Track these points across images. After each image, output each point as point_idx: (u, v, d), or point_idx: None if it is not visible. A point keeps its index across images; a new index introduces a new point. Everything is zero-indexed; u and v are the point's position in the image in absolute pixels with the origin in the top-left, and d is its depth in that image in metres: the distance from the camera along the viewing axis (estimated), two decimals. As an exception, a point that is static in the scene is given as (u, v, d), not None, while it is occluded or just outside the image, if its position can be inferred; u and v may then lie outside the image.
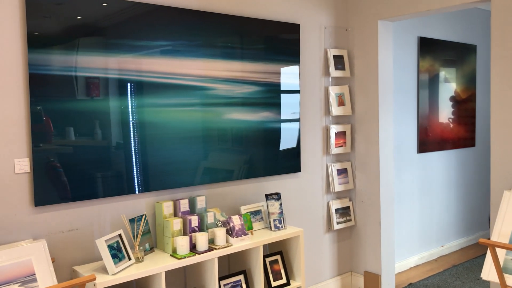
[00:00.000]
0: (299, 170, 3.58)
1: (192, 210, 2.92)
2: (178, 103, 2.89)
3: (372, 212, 3.83)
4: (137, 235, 2.61)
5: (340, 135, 3.84)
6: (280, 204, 3.21)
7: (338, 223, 3.85)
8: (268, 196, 3.19)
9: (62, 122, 2.48)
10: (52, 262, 2.41)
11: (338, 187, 3.84)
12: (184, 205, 2.85)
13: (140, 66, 2.72)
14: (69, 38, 2.48)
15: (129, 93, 2.69)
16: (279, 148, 3.44)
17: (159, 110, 2.81)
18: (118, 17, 2.65)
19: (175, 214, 2.84)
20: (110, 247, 2.45)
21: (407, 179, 4.50)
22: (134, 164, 2.74)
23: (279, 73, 3.40)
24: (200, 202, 2.91)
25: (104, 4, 2.58)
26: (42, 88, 2.41)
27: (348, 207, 3.93)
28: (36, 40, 2.38)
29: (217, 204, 3.13)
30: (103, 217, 2.67)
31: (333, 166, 3.82)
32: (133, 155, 2.74)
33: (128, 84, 2.69)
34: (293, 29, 3.48)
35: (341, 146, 3.86)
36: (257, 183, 3.35)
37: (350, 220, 3.94)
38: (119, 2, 2.64)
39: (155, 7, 2.78)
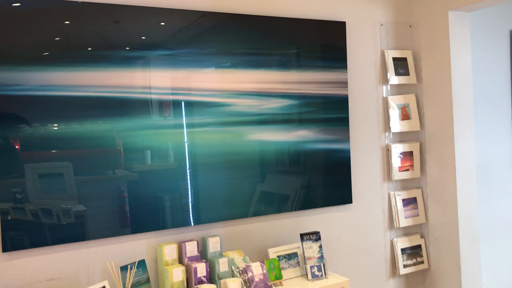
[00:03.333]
0: (350, 201, 2.89)
1: (203, 254, 2.38)
2: (187, 123, 2.39)
3: (450, 252, 3.01)
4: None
5: (406, 156, 3.09)
6: (320, 246, 2.55)
7: (405, 266, 3.07)
8: (303, 236, 2.56)
9: (33, 150, 2.08)
10: (24, 319, 2.00)
11: (404, 222, 3.08)
12: (191, 248, 2.31)
13: (124, 80, 2.26)
14: (39, 52, 2.09)
15: (112, 114, 2.24)
16: (322, 174, 2.79)
17: (156, 133, 2.33)
18: (94, 22, 2.22)
19: (180, 260, 2.32)
20: (87, 304, 1.99)
21: (499, 209, 3.56)
22: (129, 198, 2.27)
23: (320, 83, 2.77)
24: (213, 244, 2.36)
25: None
26: (6, 112, 2.03)
27: (419, 246, 3.14)
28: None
29: (241, 246, 2.56)
30: (92, 263, 2.21)
31: (397, 195, 3.07)
32: (127, 187, 2.27)
33: (110, 104, 2.24)
34: (337, 28, 2.84)
35: (407, 170, 3.10)
36: (294, 218, 2.72)
37: (421, 262, 3.14)
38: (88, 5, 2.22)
39: (147, 8, 2.32)
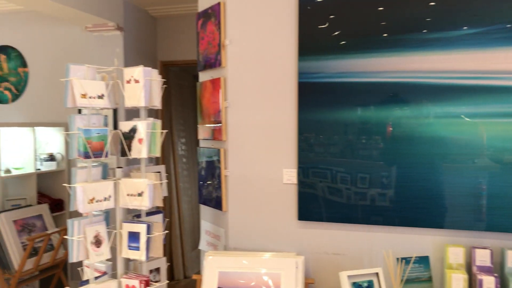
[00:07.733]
0: None
1: (498, 267, 2.02)
2: (489, 112, 2.05)
3: None
4: (401, 280, 2.05)
5: None
6: None
7: None
8: None
9: (330, 134, 2.25)
10: (311, 283, 2.25)
11: None
12: (482, 257, 2.00)
13: (423, 65, 2.10)
14: (338, 42, 2.21)
15: (409, 100, 2.13)
16: None
17: (456, 122, 2.09)
18: (393, 6, 2.14)
19: (469, 267, 2.04)
20: (357, 285, 2.04)
21: None
22: (419, 191, 2.15)
23: None
24: (512, 259, 1.97)
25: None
26: (309, 97, 2.26)
27: None
28: (303, 48, 2.25)
29: (559, 268, 2.03)
30: (376, 247, 2.24)
31: None
32: (419, 179, 2.15)
33: (405, 89, 2.13)
34: None
35: None
36: None
37: None
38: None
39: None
